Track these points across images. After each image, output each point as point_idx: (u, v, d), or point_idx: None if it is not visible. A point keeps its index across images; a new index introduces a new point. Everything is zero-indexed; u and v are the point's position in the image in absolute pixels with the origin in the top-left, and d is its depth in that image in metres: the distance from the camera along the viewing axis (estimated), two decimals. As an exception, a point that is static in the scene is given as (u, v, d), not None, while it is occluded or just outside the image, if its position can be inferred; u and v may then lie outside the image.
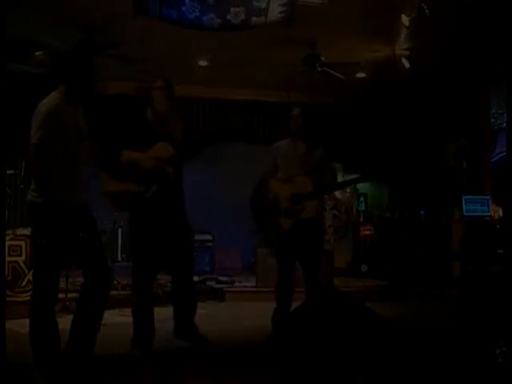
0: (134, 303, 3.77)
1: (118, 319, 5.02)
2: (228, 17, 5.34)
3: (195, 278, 4.86)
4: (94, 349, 3.21)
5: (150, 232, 3.70)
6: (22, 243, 5.25)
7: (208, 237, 7.66)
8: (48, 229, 3.06)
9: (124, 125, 3.90)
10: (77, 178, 3.24)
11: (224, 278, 6.98)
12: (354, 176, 6.04)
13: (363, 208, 8.56)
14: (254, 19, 5.37)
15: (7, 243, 4.99)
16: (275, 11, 5.33)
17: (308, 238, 3.97)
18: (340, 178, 6.23)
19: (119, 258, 7.07)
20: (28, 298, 4.95)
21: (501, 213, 5.93)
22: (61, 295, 4.46)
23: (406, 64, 6.55)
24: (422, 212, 7.54)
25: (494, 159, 7.17)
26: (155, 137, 3.68)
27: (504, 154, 6.66)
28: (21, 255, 5.22)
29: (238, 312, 5.78)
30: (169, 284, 6.24)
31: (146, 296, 3.77)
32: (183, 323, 3.90)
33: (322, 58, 6.56)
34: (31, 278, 5.18)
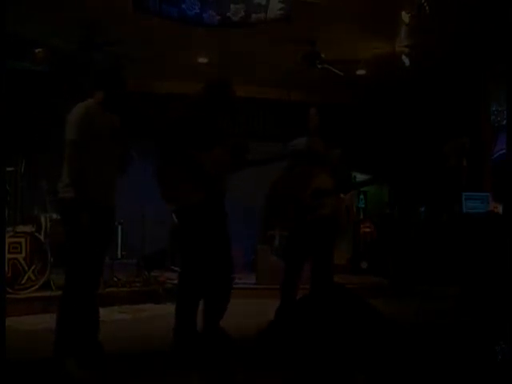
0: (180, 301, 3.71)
1: (117, 316, 5.03)
2: (228, 14, 5.35)
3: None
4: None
5: (208, 235, 3.67)
6: (22, 240, 5.27)
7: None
8: (78, 224, 3.12)
9: (188, 124, 3.71)
10: (107, 178, 3.31)
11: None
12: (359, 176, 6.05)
13: (363, 205, 8.57)
14: (253, 16, 5.38)
15: (7, 240, 5.02)
16: (275, 8, 5.33)
17: (323, 234, 3.96)
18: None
19: (119, 256, 7.07)
20: (28, 295, 5.05)
21: (500, 210, 5.93)
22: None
23: (406, 61, 6.54)
24: (422, 210, 7.54)
25: (494, 156, 7.18)
26: (214, 140, 3.70)
27: (504, 151, 6.66)
28: (21, 252, 5.23)
29: (238, 309, 5.76)
30: (168, 281, 6.29)
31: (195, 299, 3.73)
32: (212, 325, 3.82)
33: (322, 56, 6.56)
34: (31, 275, 5.22)
